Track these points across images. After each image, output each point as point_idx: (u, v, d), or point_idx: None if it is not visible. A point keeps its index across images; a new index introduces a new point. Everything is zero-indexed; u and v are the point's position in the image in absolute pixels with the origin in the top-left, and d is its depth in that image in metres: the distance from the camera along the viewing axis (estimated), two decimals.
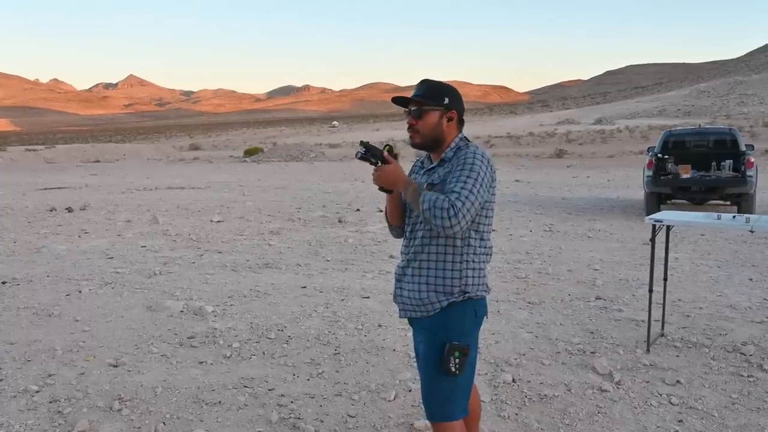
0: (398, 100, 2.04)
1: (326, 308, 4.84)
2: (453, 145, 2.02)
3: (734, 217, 3.60)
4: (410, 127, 1.99)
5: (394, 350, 3.91)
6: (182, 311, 4.70)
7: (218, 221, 9.84)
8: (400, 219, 2.14)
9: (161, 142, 78.78)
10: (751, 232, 3.37)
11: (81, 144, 60.17)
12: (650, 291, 3.97)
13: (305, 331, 4.28)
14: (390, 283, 5.64)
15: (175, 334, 4.19)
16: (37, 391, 3.26)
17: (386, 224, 2.24)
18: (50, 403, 3.13)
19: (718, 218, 3.64)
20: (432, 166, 2.06)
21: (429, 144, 2.02)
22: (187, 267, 6.40)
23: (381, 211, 10.91)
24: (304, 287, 5.51)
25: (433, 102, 1.98)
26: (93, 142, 79.47)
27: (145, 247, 7.58)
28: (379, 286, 5.57)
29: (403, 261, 2.09)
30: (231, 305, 4.91)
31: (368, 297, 5.18)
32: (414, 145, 2.02)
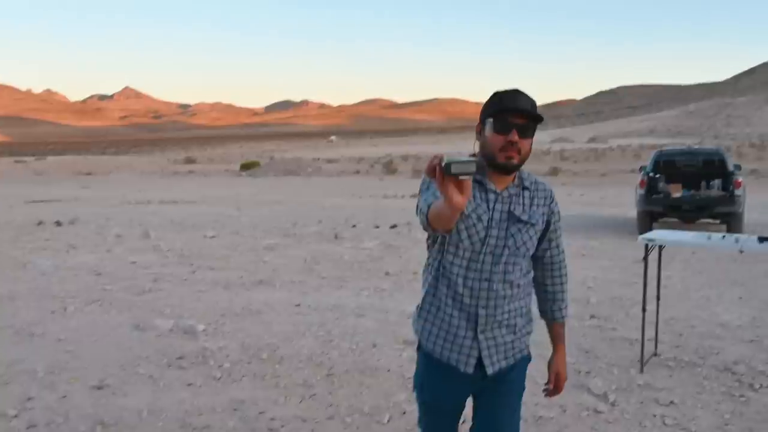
0: (510, 107, 1.66)
1: (320, 327, 4.80)
2: (524, 170, 1.79)
3: (724, 237, 3.63)
4: (510, 145, 1.65)
5: (388, 371, 3.88)
6: (171, 330, 4.64)
7: (211, 236, 9.78)
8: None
9: (156, 155, 78.43)
10: (741, 252, 3.38)
11: (73, 156, 59.69)
12: (643, 310, 3.98)
13: (298, 351, 4.24)
14: (385, 300, 5.63)
15: (164, 354, 4.14)
16: (15, 416, 3.17)
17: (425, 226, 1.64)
18: (28, 428, 3.05)
19: (709, 238, 3.67)
20: (500, 192, 1.73)
21: (518, 168, 1.73)
22: (178, 284, 6.35)
23: (377, 227, 10.92)
24: (298, 305, 5.47)
25: (540, 121, 1.73)
26: (86, 154, 78.54)
27: (135, 262, 7.52)
28: (375, 304, 5.55)
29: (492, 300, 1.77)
30: (223, 324, 4.86)
31: (363, 315, 5.15)
32: (508, 168, 1.69)
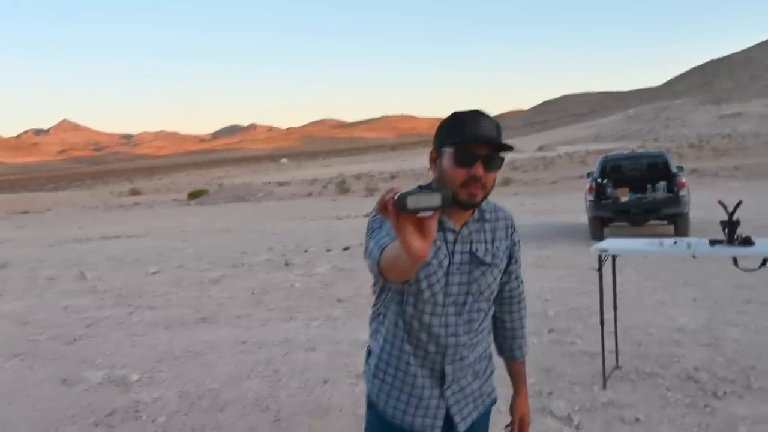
0: (475, 135, 1.40)
1: (267, 366, 4.46)
2: (485, 202, 1.55)
3: (675, 242, 3.55)
4: (474, 180, 1.39)
5: (340, 410, 3.59)
6: (102, 383, 4.21)
7: (153, 272, 9.24)
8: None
9: (98, 189, 75.53)
10: (693, 257, 3.30)
11: (8, 194, 56.56)
12: (602, 324, 3.86)
13: (243, 394, 3.90)
14: (337, 330, 5.34)
15: (92, 411, 3.71)
16: None
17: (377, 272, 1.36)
18: None
19: (661, 245, 3.58)
20: (460, 230, 1.48)
21: (481, 203, 1.47)
22: (113, 328, 5.87)
23: (329, 250, 10.62)
24: (244, 342, 5.11)
25: (507, 149, 1.44)
26: (22, 191, 74.47)
27: (67, 307, 6.95)
28: (326, 334, 5.24)
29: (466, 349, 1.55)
30: (159, 371, 4.46)
31: (314, 349, 4.84)
32: (469, 205, 1.44)
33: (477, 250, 1.50)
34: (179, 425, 3.48)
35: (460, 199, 1.41)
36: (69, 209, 36.48)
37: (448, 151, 1.42)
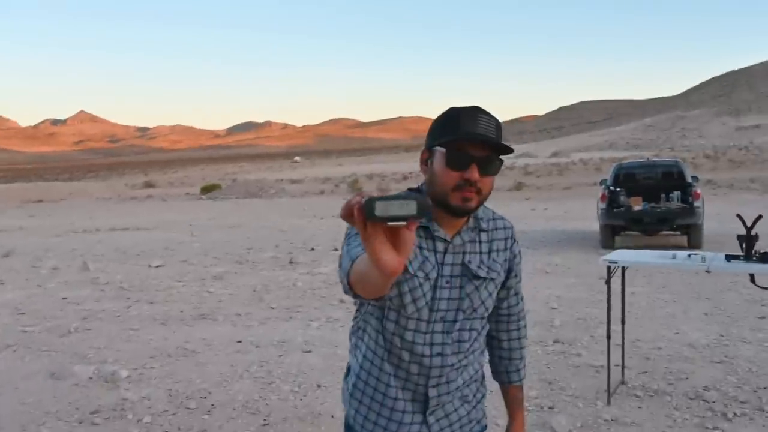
0: (470, 134, 1.24)
1: (260, 367, 4.35)
2: (481, 208, 1.38)
3: (689, 256, 3.37)
4: (468, 184, 1.24)
5: (332, 417, 3.46)
6: (91, 378, 4.12)
7: (157, 266, 9.20)
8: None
9: (113, 180, 76.24)
10: (707, 272, 3.13)
11: (23, 183, 57.21)
12: (608, 337, 3.69)
13: (232, 396, 3.79)
14: (336, 332, 5.22)
15: (77, 407, 3.62)
16: None
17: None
18: None
19: (674, 257, 3.41)
20: (451, 239, 1.32)
21: (476, 210, 1.32)
22: (109, 321, 5.80)
23: (336, 249, 10.51)
24: (240, 341, 5.01)
25: (507, 151, 1.28)
26: (37, 180, 74.90)
27: (66, 298, 6.91)
28: (324, 336, 5.13)
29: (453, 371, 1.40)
30: (151, 368, 4.36)
31: (310, 351, 4.72)
32: (462, 212, 1.28)
33: (470, 262, 1.34)
34: (165, 425, 3.37)
35: (451, 205, 1.25)
36: (83, 200, 36.67)
37: (439, 151, 1.26)
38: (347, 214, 0.84)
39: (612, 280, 3.61)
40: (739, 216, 3.18)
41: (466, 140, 1.23)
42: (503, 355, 1.54)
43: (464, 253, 1.34)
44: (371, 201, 0.80)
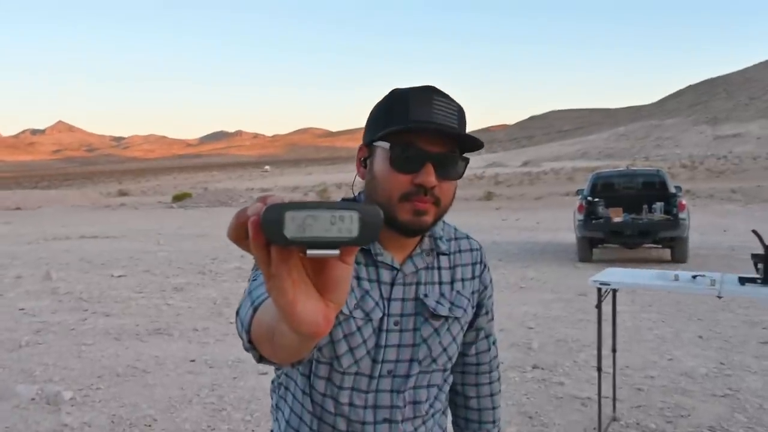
0: (423, 123, 0.88)
1: (212, 391, 3.95)
2: (440, 224, 1.04)
3: (695, 278, 2.89)
4: (419, 193, 0.88)
5: None
6: (34, 399, 3.80)
7: (119, 276, 8.85)
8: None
9: (89, 189, 75.70)
10: (719, 297, 2.62)
11: (3, 191, 56.56)
12: (599, 370, 3.22)
13: (179, 425, 3.39)
14: None
15: None
16: None
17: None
18: None
19: (676, 279, 2.94)
20: (401, 266, 0.97)
21: (433, 226, 0.95)
22: (62, 335, 5.46)
23: None
24: (193, 361, 4.61)
25: (474, 146, 0.92)
26: (16, 188, 75.14)
27: (23, 309, 6.60)
28: None
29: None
30: (97, 389, 4.00)
31: (266, 373, 4.33)
32: (414, 230, 0.92)
33: (427, 296, 0.98)
34: None
35: (399, 220, 0.90)
36: (58, 207, 36.06)
37: (382, 147, 0.90)
38: (237, 236, 0.43)
39: (601, 305, 3.11)
40: (755, 232, 2.72)
41: (418, 131, 0.88)
42: (471, 417, 1.17)
43: (418, 284, 0.98)
44: (279, 211, 0.40)
